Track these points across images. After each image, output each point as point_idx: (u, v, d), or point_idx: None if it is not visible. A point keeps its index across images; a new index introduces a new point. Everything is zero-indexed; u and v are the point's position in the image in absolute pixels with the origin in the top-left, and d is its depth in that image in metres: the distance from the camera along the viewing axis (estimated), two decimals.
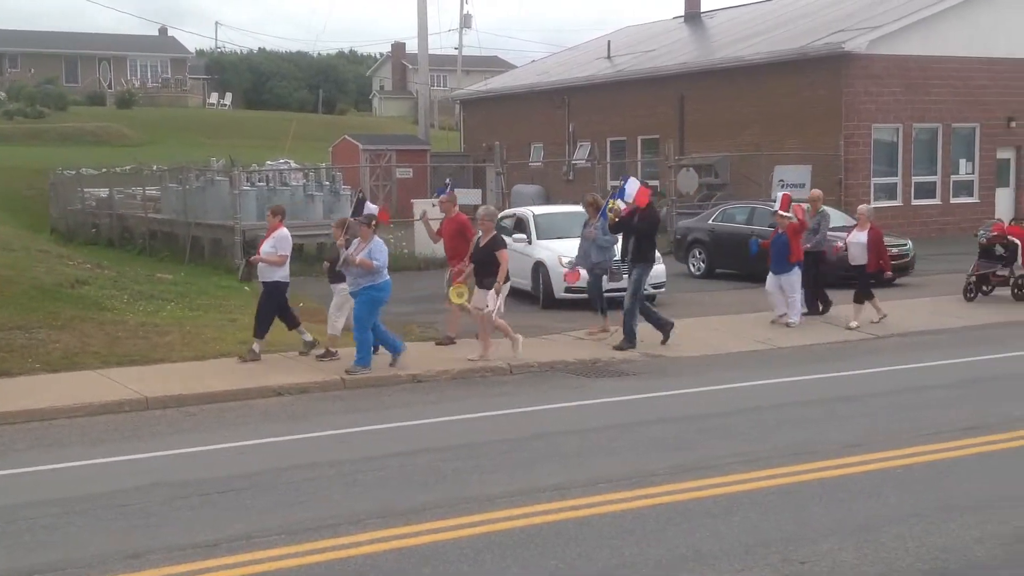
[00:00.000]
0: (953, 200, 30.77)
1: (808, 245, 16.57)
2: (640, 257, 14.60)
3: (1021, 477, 8.38)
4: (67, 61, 76.33)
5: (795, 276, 16.03)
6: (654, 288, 18.28)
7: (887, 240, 21.07)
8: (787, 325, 15.90)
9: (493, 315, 13.34)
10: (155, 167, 36.07)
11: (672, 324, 14.86)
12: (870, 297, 16.07)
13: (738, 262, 20.96)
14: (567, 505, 7.72)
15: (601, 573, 6.51)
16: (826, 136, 29.00)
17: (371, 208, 14.39)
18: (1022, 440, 9.42)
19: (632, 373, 13.15)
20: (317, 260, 24.17)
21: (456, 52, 73.59)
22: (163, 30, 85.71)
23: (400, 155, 36.91)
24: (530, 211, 20.13)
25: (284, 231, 13.63)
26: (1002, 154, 31.61)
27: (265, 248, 13.62)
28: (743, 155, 30.62)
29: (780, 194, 17.05)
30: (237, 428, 10.52)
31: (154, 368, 12.96)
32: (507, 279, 13.72)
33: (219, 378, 12.37)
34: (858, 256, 16.07)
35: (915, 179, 30.25)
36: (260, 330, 13.51)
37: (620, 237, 15.27)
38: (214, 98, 78.75)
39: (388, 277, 12.94)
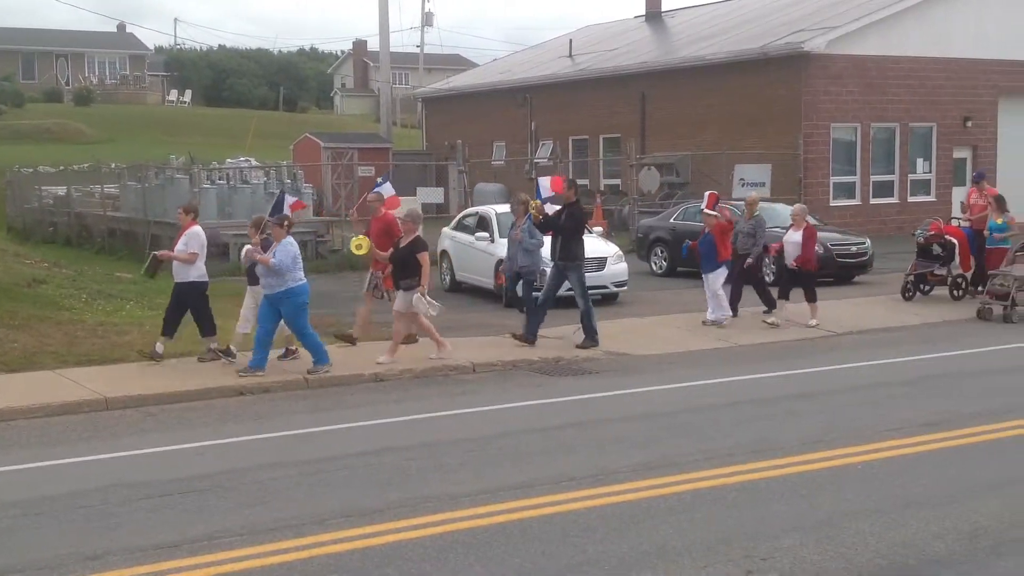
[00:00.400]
0: (911, 199, 31.14)
1: (750, 260, 16.39)
2: (569, 256, 14.45)
3: (979, 473, 8.50)
4: (24, 58, 75.36)
5: (721, 275, 15.90)
6: (616, 287, 18.39)
7: (846, 239, 21.44)
8: (706, 323, 15.81)
9: (432, 313, 13.14)
10: (114, 165, 35.72)
11: (596, 338, 14.51)
12: (812, 298, 15.97)
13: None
14: (531, 503, 7.73)
15: (565, 571, 6.53)
16: (786, 135, 29.24)
17: (289, 201, 13.84)
18: (979, 436, 9.55)
19: (595, 371, 13.19)
20: None
21: (418, 50, 73.51)
22: (122, 26, 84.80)
23: (362, 153, 36.74)
24: (492, 209, 20.13)
25: (197, 229, 13.23)
26: (959, 153, 32.03)
27: (178, 247, 13.21)
28: (704, 154, 30.81)
29: (707, 193, 16.97)
30: (198, 428, 10.44)
31: (113, 368, 12.83)
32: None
33: (180, 378, 12.26)
34: (794, 255, 15.91)
35: (873, 178, 30.58)
36: (206, 329, 13.24)
37: (548, 239, 14.94)
38: (173, 95, 78.07)
39: (303, 280, 12.52)
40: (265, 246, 12.59)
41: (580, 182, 35.84)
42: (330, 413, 11.05)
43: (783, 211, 23.11)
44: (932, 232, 18.19)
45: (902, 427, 9.88)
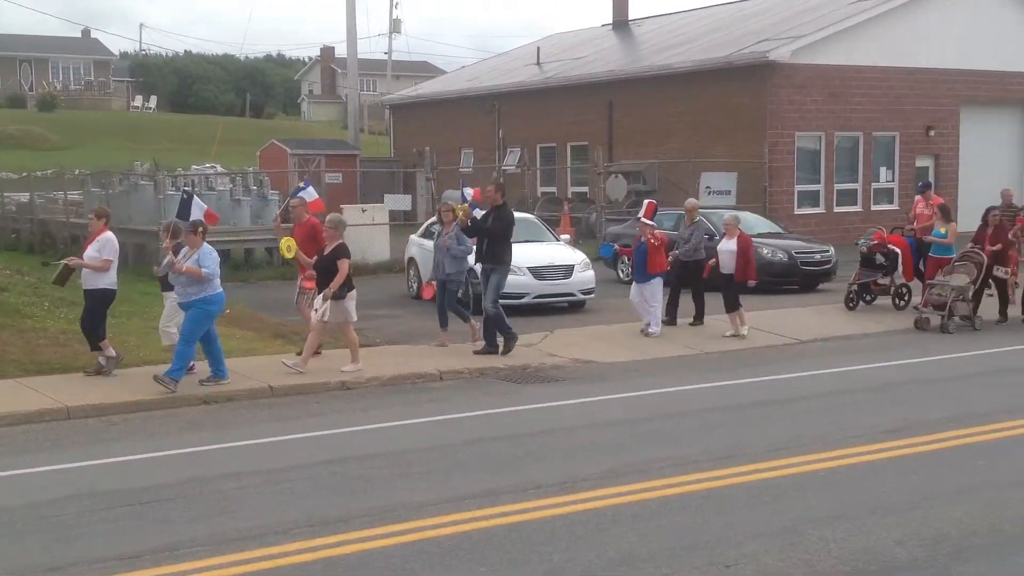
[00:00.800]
0: (874, 207, 31.42)
1: (677, 252, 16.49)
2: (495, 260, 14.36)
3: (941, 480, 8.58)
4: None
5: (656, 285, 15.81)
6: (583, 294, 18.43)
7: (810, 247, 21.60)
8: (646, 334, 15.67)
9: (325, 315, 12.92)
10: (77, 171, 35.42)
11: (516, 338, 14.45)
12: (736, 308, 15.82)
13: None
14: (497, 511, 7.72)
15: None
16: (751, 143, 29.43)
17: (199, 206, 13.48)
18: (940, 443, 9.65)
19: (562, 379, 13.21)
20: (246, 266, 23.94)
21: (386, 56, 73.37)
22: (86, 32, 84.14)
23: (329, 160, 36.61)
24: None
25: (109, 234, 12.78)
26: (921, 162, 32.37)
27: (89, 253, 12.67)
28: (671, 162, 30.96)
29: (646, 202, 16.85)
30: (161, 437, 10.35)
31: (75, 377, 12.69)
32: (351, 288, 13.16)
33: (143, 387, 12.13)
34: (727, 264, 15.83)
35: (837, 186, 30.83)
36: (94, 341, 12.79)
37: (475, 246, 14.81)
38: (138, 101, 77.52)
39: (220, 289, 12.23)
40: (177, 252, 12.14)
41: (548, 190, 36.22)
42: (295, 422, 10.99)
43: (748, 219, 23.31)
44: (875, 241, 18.18)
45: (866, 434, 9.96)
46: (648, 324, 15.81)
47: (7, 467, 9.30)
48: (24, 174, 35.58)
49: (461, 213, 14.44)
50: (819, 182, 30.65)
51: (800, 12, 33.15)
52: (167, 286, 12.66)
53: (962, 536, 7.16)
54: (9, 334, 14.61)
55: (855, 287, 18.09)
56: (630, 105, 33.41)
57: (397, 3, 65.84)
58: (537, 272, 17.92)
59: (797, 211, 29.70)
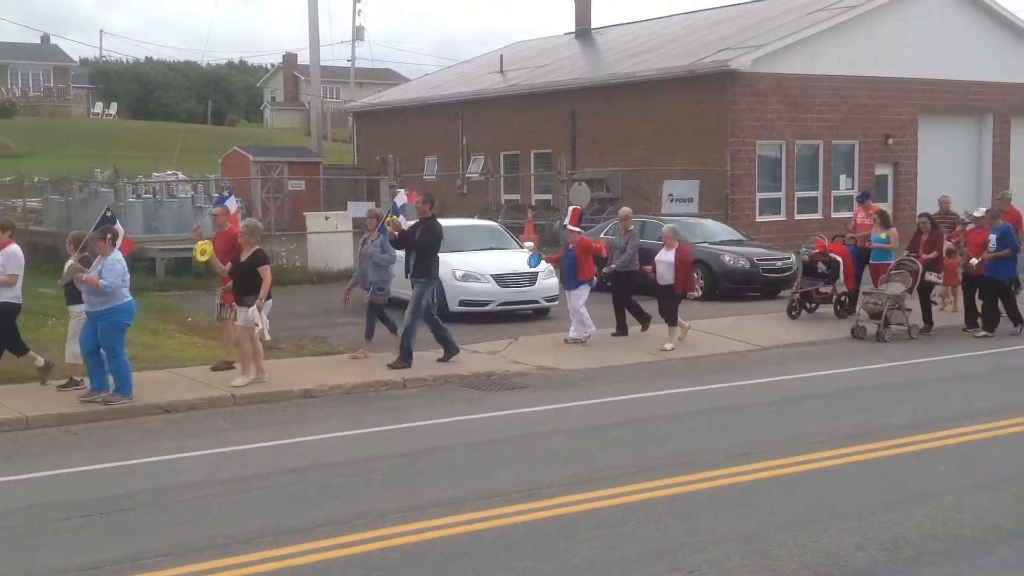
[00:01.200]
0: (834, 215, 31.69)
1: (615, 265, 16.42)
2: (422, 272, 14.09)
3: (901, 484, 8.67)
4: None
5: (582, 292, 15.67)
6: (547, 301, 18.46)
7: (772, 254, 21.77)
8: (568, 341, 15.58)
9: (264, 333, 12.63)
10: (37, 178, 34.99)
11: (457, 350, 14.38)
12: (673, 321, 15.67)
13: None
14: (461, 519, 7.71)
15: None
16: (713, 151, 29.62)
17: (120, 230, 12.65)
18: (901, 448, 9.76)
19: (526, 386, 13.22)
20: (207, 275, 23.74)
21: (349, 64, 73.21)
22: (45, 38, 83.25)
23: (292, 167, 36.43)
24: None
25: (15, 248, 12.32)
26: (880, 170, 32.73)
27: None
28: (634, 170, 31.09)
29: (570, 208, 16.71)
30: (122, 447, 10.25)
31: (34, 386, 12.53)
32: (269, 296, 12.84)
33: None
34: (665, 275, 15.60)
35: (798, 194, 31.09)
36: (18, 353, 12.53)
37: (400, 255, 14.63)
38: (99, 108, 76.77)
39: (129, 298, 11.77)
40: (86, 264, 11.78)
41: (511, 197, 36.25)
42: (258, 430, 10.92)
43: (710, 226, 23.51)
44: (816, 250, 18.14)
45: (826, 440, 10.05)
46: (576, 331, 15.72)
47: None
48: None
49: (389, 225, 14.02)
50: (780, 190, 30.90)
51: (761, 21, 33.44)
52: (72, 298, 12.26)
53: (922, 540, 7.25)
54: None
55: (797, 295, 18.13)
56: (593, 113, 33.54)
57: (360, 10, 65.66)
58: (501, 279, 17.93)
59: (759, 218, 29.91)
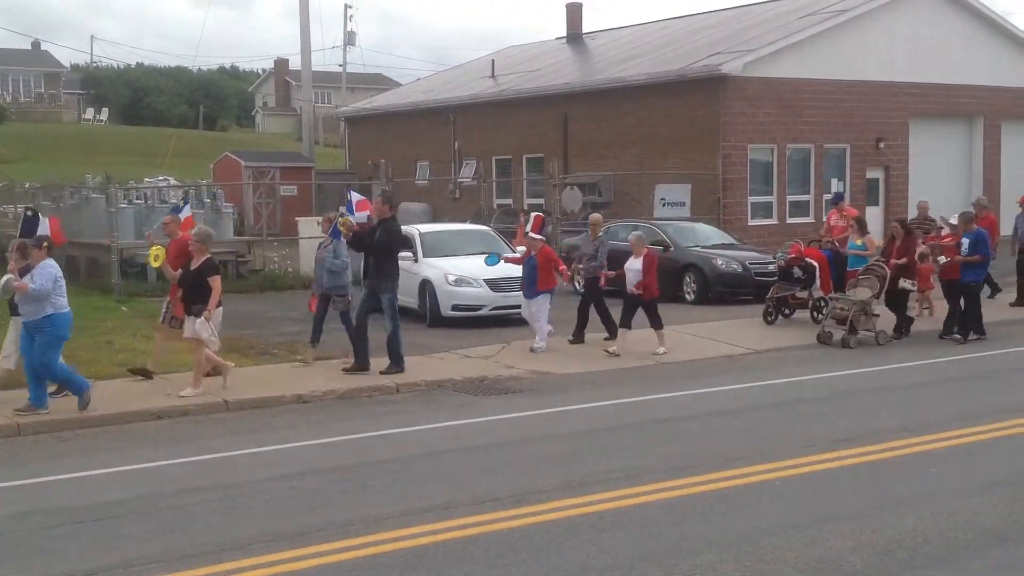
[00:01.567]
0: (826, 218, 31.76)
1: (581, 271, 16.31)
2: (381, 275, 13.79)
3: (893, 487, 8.68)
4: None
5: (543, 301, 15.43)
6: None
7: (764, 258, 21.78)
8: (532, 350, 15.36)
9: (213, 346, 12.50)
10: (28, 184, 34.90)
11: (368, 367, 13.69)
12: (658, 325, 15.45)
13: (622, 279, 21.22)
14: (454, 524, 7.71)
15: None
16: (705, 155, 29.67)
17: (44, 224, 12.76)
18: (891, 452, 9.77)
19: (519, 390, 13.22)
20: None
21: (340, 68, 73.21)
22: (36, 44, 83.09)
23: (284, 172, 36.41)
24: (416, 229, 20.11)
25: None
26: (871, 174, 32.80)
27: None
28: (626, 174, 31.14)
29: (532, 214, 16.42)
30: (115, 453, 10.22)
31: (26, 393, 12.47)
32: (219, 304, 12.66)
33: (95, 402, 11.97)
34: (635, 282, 15.33)
35: (789, 198, 31.14)
36: None
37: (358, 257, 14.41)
38: (90, 114, 76.65)
39: (66, 310, 11.55)
40: (23, 274, 11.55)
41: (503, 202, 36.27)
42: (251, 436, 10.90)
43: (703, 230, 23.56)
44: (792, 255, 17.88)
45: (817, 443, 10.06)
46: (541, 340, 15.52)
47: None
48: None
49: (343, 226, 13.71)
50: (771, 194, 30.95)
51: (751, 26, 33.50)
52: (15, 309, 12.07)
53: (915, 544, 7.26)
54: None
55: (773, 301, 17.84)
56: (585, 117, 33.57)
57: (351, 15, 65.73)
58: (494, 284, 17.95)
59: (751, 222, 29.97)
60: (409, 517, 7.88)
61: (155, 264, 13.23)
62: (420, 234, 19.39)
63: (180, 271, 12.92)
